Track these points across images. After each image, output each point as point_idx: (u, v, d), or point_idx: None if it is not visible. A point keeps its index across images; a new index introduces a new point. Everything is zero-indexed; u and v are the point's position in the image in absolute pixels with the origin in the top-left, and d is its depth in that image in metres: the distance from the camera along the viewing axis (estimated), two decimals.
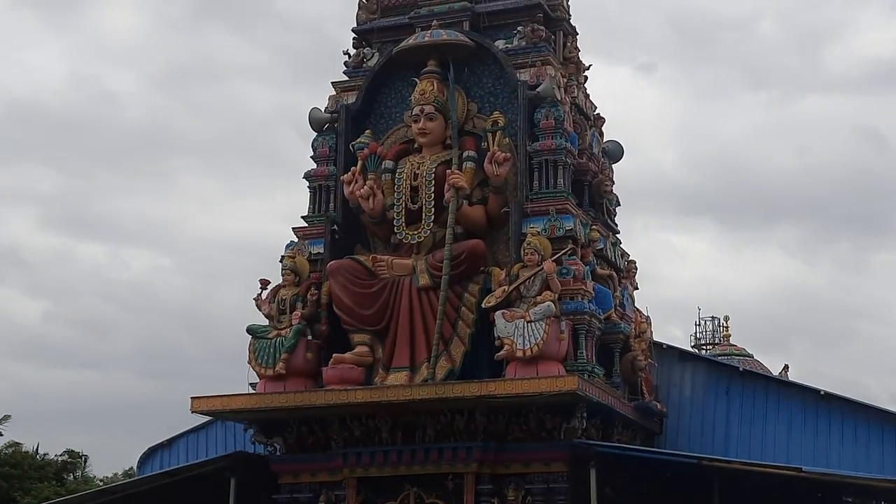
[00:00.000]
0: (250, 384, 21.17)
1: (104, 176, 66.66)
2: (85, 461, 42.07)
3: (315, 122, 22.50)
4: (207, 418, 23.20)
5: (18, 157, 65.79)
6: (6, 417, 39.05)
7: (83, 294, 64.76)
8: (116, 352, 63.80)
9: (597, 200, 22.53)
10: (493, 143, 20.66)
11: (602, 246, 21.81)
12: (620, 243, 23.13)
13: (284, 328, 20.88)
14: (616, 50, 62.07)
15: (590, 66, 23.55)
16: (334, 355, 20.52)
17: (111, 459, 58.79)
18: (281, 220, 57.40)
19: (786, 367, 34.81)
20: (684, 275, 64.58)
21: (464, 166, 20.87)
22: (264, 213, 62.39)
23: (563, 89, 21.66)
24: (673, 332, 54.19)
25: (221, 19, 68.39)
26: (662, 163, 65.33)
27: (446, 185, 20.59)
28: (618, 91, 54.99)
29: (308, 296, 21.05)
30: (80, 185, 66.03)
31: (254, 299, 21.42)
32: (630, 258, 23.21)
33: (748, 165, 67.01)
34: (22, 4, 66.32)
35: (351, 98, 22.36)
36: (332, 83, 22.80)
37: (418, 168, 21.16)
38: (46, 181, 64.85)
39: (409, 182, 21.09)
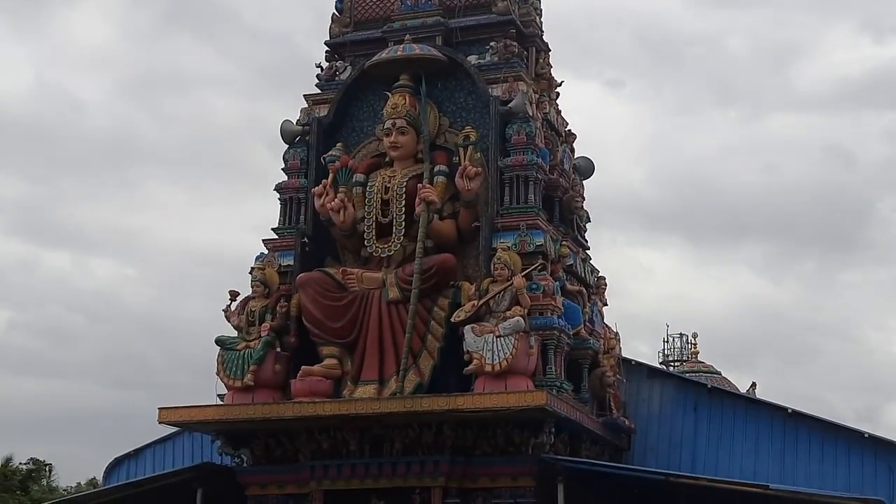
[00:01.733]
0: (218, 395, 21.04)
1: (69, 184, 66.35)
2: (50, 471, 41.85)
3: (286, 134, 22.48)
4: (174, 429, 23.04)
5: None
6: None
7: (48, 303, 64.31)
8: (82, 361, 63.42)
9: (567, 216, 22.56)
10: (465, 157, 20.62)
11: (572, 262, 21.83)
12: (590, 259, 23.16)
13: (253, 340, 20.81)
14: (583, 65, 62.13)
15: (562, 82, 23.66)
16: (303, 367, 20.46)
17: (76, 469, 58.39)
18: (247, 230, 57.39)
19: (753, 385, 34.74)
20: (652, 291, 64.62)
21: (435, 180, 20.83)
22: (231, 223, 62.24)
23: (534, 105, 21.66)
24: (640, 348, 54.20)
25: (189, 29, 68.23)
26: (630, 178, 65.37)
27: (417, 199, 20.58)
28: (585, 107, 55.02)
29: (277, 308, 20.99)
30: (44, 192, 65.66)
31: (223, 310, 21.36)
32: (600, 274, 23.22)
33: (716, 182, 67.27)
34: None
35: (323, 111, 22.33)
36: (304, 96, 22.77)
37: (389, 182, 21.15)
38: (11, 189, 64.42)
39: (379, 195, 21.08)
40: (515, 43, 22.09)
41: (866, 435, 22.04)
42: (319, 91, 22.74)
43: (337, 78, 22.67)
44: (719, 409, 23.14)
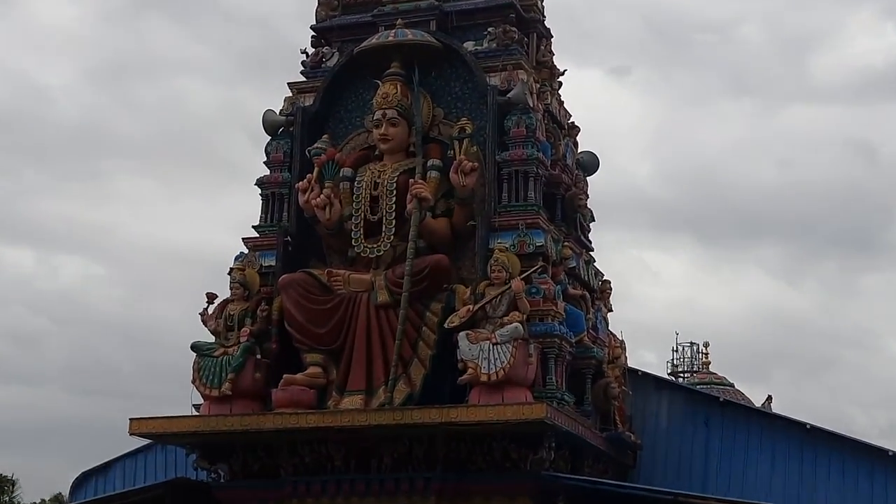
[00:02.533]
0: (193, 405, 20.66)
1: (33, 176, 66.11)
2: (13, 486, 41.70)
3: (269, 125, 22.11)
4: (146, 441, 22.77)
5: None
6: None
7: (9, 304, 63.84)
8: (46, 367, 63.23)
9: (570, 215, 22.17)
10: (460, 151, 20.15)
11: (574, 264, 21.40)
12: (594, 261, 22.83)
13: (232, 346, 20.34)
14: (586, 51, 61.40)
15: (564, 71, 23.26)
16: (285, 376, 19.98)
17: (41, 484, 57.75)
18: (226, 228, 56.93)
19: (769, 398, 35.02)
20: (660, 296, 64.23)
21: (428, 175, 20.37)
22: (207, 219, 62.13)
23: (535, 95, 21.22)
24: (646, 357, 54.07)
25: (162, 11, 67.67)
26: (636, 174, 65.06)
27: (408, 196, 20.10)
28: (588, 96, 54.39)
29: (258, 312, 20.57)
30: (6, 185, 65.23)
31: (199, 314, 20.99)
32: (604, 278, 22.93)
33: (728, 178, 66.87)
34: None
35: (308, 100, 21.96)
36: (288, 84, 22.40)
37: (379, 177, 20.70)
38: None
39: (368, 191, 20.62)
40: (515, 28, 21.60)
41: (890, 453, 21.52)
42: (304, 79, 22.33)
43: (323, 65, 22.26)
44: (732, 424, 22.73)
